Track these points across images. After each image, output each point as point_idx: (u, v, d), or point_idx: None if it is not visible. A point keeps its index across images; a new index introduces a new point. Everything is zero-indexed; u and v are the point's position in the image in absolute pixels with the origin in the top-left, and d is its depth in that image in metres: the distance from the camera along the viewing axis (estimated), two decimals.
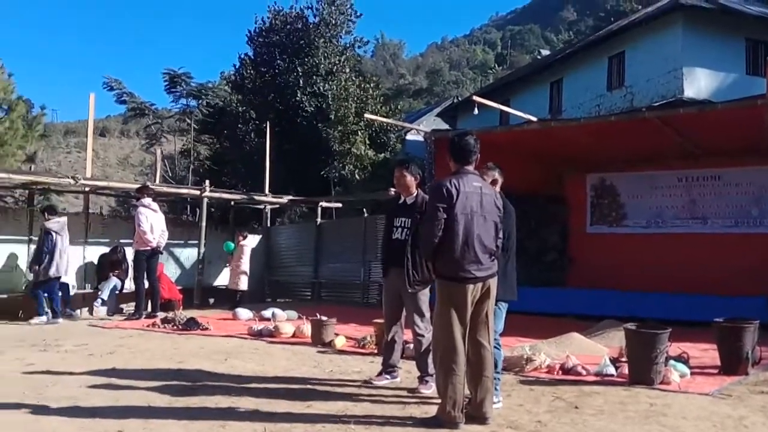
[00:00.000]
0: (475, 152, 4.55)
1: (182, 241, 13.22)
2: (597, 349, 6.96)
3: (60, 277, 10.00)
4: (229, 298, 12.44)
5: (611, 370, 5.78)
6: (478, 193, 4.43)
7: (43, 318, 9.75)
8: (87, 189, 11.99)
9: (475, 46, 77.67)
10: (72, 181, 10.82)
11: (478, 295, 4.36)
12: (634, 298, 9.84)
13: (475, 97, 14.21)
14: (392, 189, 11.66)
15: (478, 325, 4.40)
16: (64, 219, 10.30)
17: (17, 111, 21.82)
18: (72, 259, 11.36)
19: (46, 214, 10.02)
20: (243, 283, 12.40)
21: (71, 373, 5.88)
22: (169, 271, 12.43)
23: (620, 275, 10.87)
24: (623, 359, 5.94)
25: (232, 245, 12.73)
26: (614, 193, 12.56)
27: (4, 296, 10.43)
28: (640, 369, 5.47)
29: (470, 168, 4.53)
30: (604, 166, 12.40)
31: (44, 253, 9.78)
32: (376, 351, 7.00)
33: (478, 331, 4.40)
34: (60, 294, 10.08)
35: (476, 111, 13.20)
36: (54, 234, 9.84)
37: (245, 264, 12.41)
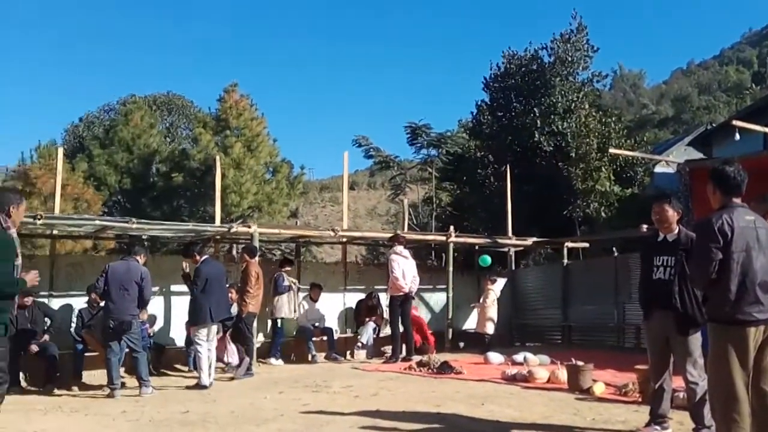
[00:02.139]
0: (743, 182, 4.17)
1: (430, 286, 13.65)
2: None
3: None
4: (478, 342, 12.52)
5: None
6: (753, 228, 4.03)
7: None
8: (344, 239, 12.95)
9: (726, 67, 71.37)
10: (332, 233, 11.77)
11: (760, 340, 3.93)
12: None
13: (735, 122, 12.96)
14: (644, 225, 11.01)
15: (761, 373, 3.95)
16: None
17: (282, 172, 24.42)
18: (334, 305, 12.35)
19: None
20: (489, 328, 12.42)
21: (341, 414, 6.30)
22: (420, 315, 12.85)
23: None
24: None
25: (489, 259, 13.02)
26: None
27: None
28: None
29: (738, 200, 4.15)
30: None
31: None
32: (640, 399, 6.59)
33: (761, 378, 3.95)
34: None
35: (737, 136, 12.02)
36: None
37: (493, 309, 12.46)
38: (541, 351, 10.61)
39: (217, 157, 12.44)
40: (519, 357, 9.87)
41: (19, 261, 4.77)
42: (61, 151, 11.03)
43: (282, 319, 11.15)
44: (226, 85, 24.14)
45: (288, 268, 11.54)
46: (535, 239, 14.80)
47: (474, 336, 13.05)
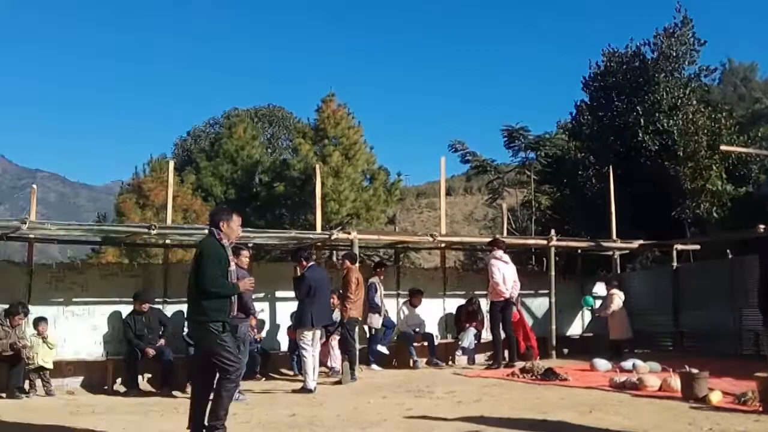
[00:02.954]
0: None
1: (532, 291, 13.40)
2: None
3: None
4: (607, 349, 12.20)
5: None
6: None
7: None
8: (443, 245, 12.92)
9: None
10: (430, 239, 11.78)
11: None
12: None
13: None
14: (761, 225, 10.40)
15: None
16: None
17: (379, 179, 24.66)
18: (433, 311, 12.36)
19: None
20: (623, 333, 12.17)
21: (445, 419, 6.28)
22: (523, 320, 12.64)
23: None
24: None
25: (591, 300, 12.69)
26: None
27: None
28: None
29: None
30: None
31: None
32: (760, 408, 6.22)
33: None
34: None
35: None
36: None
37: (622, 313, 12.23)
38: (650, 358, 10.19)
39: (317, 166, 12.72)
40: (628, 364, 9.54)
41: (232, 267, 5.51)
42: (171, 164, 11.58)
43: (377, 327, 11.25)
44: (323, 96, 24.66)
45: (380, 275, 11.59)
46: (641, 242, 14.25)
47: (579, 341, 12.75)
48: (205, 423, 5.33)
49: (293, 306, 9.41)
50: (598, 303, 13.02)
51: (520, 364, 10.15)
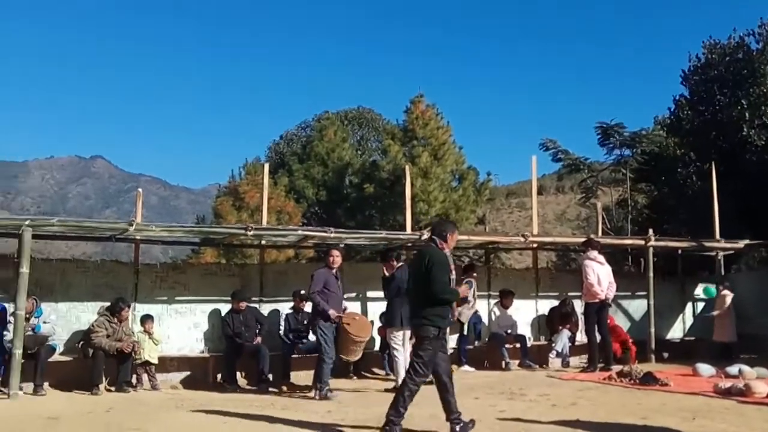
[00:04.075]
0: None
1: (628, 293, 12.98)
2: None
3: None
4: (713, 351, 11.75)
5: None
6: None
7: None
8: (534, 245, 12.71)
9: None
10: (522, 239, 11.61)
11: None
12: None
13: None
14: None
15: None
16: None
17: (468, 179, 24.48)
18: (525, 312, 12.19)
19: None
20: (729, 336, 11.69)
21: (539, 422, 6.18)
22: (619, 323, 12.26)
23: None
24: None
25: (713, 290, 12.24)
26: None
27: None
28: None
29: None
30: None
31: None
32: None
33: None
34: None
35: None
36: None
37: (731, 315, 11.91)
38: (758, 363, 9.69)
39: (407, 167, 12.77)
40: (733, 369, 9.10)
41: (453, 275, 5.92)
42: (266, 167, 11.92)
43: (466, 325, 11.20)
44: (412, 97, 24.70)
45: (475, 274, 11.56)
46: (747, 242, 13.54)
47: (680, 345, 12.26)
48: (386, 415, 5.73)
49: (383, 306, 9.49)
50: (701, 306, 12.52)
51: (616, 367, 9.87)
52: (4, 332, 8.68)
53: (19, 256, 8.62)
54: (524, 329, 12.03)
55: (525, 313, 12.26)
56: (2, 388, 8.33)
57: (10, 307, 8.77)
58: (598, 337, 10.45)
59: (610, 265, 11.12)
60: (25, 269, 8.45)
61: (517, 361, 11.36)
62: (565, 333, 11.49)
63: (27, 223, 8.67)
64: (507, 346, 11.40)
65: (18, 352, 8.26)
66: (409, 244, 12.07)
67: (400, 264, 9.32)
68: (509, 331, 11.67)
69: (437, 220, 6.01)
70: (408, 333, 9.05)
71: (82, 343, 9.25)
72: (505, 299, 11.79)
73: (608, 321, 10.80)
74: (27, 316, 8.63)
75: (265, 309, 10.64)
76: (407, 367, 5.89)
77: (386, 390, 8.84)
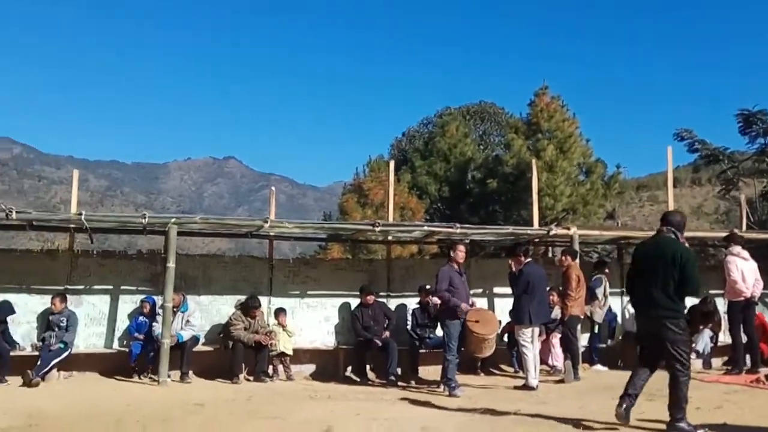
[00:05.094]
0: None
1: None
2: None
3: None
4: None
5: None
6: None
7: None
8: None
9: None
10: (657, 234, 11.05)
11: None
12: None
13: None
14: None
15: None
16: None
17: (596, 172, 23.66)
18: None
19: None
20: None
21: None
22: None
23: None
24: None
25: None
26: None
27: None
28: None
29: None
30: None
31: None
32: None
33: None
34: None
35: None
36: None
37: None
38: None
39: (533, 161, 12.53)
40: None
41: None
42: (392, 164, 12.06)
43: (599, 324, 10.85)
44: (536, 89, 24.18)
45: (607, 271, 11.17)
46: None
47: None
48: (671, 415, 5.83)
49: (510, 302, 9.36)
50: None
51: (765, 370, 9.23)
52: (153, 324, 9.34)
53: (166, 251, 9.25)
54: None
55: None
56: (153, 376, 8.97)
57: (158, 300, 9.42)
58: (744, 338, 9.82)
59: (757, 261, 10.39)
60: (171, 264, 9.05)
61: None
62: (707, 333, 10.86)
63: (173, 220, 9.28)
64: None
65: (166, 341, 8.86)
66: (537, 240, 11.86)
67: (528, 260, 9.17)
68: None
69: (671, 211, 5.79)
70: (537, 330, 8.92)
71: (222, 334, 9.78)
72: None
73: (755, 320, 10.11)
74: (174, 309, 9.25)
75: (393, 304, 10.80)
76: (676, 363, 5.90)
77: (515, 387, 8.75)
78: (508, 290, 9.56)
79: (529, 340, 8.74)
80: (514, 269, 9.20)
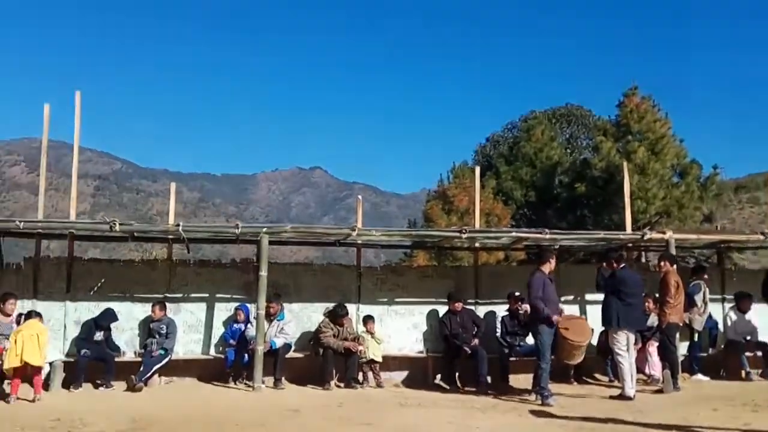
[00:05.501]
0: None
1: None
2: None
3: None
4: None
5: None
6: None
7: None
8: None
9: None
10: (761, 237, 10.51)
11: None
12: None
13: None
14: None
15: None
16: None
17: (691, 174, 22.70)
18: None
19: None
20: None
21: None
22: None
23: None
24: None
25: None
26: None
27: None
28: None
29: None
30: None
31: None
32: None
33: None
34: None
35: None
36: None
37: None
38: None
39: (624, 164, 12.16)
40: None
41: None
42: (478, 170, 11.95)
43: (698, 332, 10.39)
44: (625, 90, 23.50)
45: (706, 276, 10.70)
46: None
47: None
48: None
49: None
50: None
51: None
52: (248, 328, 9.61)
53: (258, 260, 9.50)
54: (766, 336, 10.86)
55: (767, 318, 11.07)
56: (248, 382, 9.22)
57: (252, 308, 9.69)
58: None
59: None
60: (263, 273, 9.28)
61: (758, 371, 10.31)
62: None
63: (264, 230, 9.52)
64: (747, 354, 10.39)
65: (260, 348, 9.09)
66: (630, 245, 11.48)
67: (623, 265, 8.89)
68: (748, 337, 10.63)
69: None
70: (632, 337, 8.63)
71: (312, 342, 9.94)
72: (741, 303, 10.76)
73: None
74: (271, 318, 9.51)
75: (481, 311, 10.69)
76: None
77: (611, 397, 8.50)
78: (600, 297, 9.29)
79: (625, 347, 8.47)
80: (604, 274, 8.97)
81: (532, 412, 7.38)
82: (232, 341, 9.73)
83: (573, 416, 6.92)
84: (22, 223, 9.12)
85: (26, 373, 7.99)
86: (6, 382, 8.28)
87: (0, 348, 8.16)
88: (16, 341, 7.85)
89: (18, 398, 7.76)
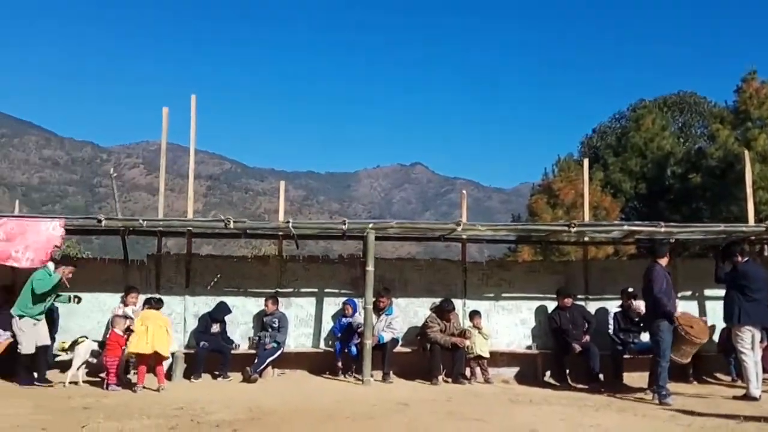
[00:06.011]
0: None
1: None
2: None
3: None
4: None
5: None
6: None
7: None
8: None
9: None
10: None
11: None
12: None
13: None
14: None
15: None
16: None
17: None
18: None
19: None
20: None
21: None
22: None
23: None
24: None
25: None
26: None
27: None
28: None
29: None
30: None
31: None
32: None
33: None
34: None
35: None
36: None
37: None
38: None
39: (744, 152, 11.48)
40: None
41: None
42: (586, 162, 11.64)
43: None
44: (743, 74, 22.17)
45: None
46: None
47: None
48: None
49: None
50: None
51: None
52: (355, 315, 9.80)
53: (365, 255, 9.64)
54: None
55: None
56: (357, 375, 9.38)
57: (359, 302, 9.86)
58: None
59: None
60: (370, 268, 9.41)
61: None
62: None
63: (370, 226, 9.65)
64: None
65: (368, 342, 9.23)
66: (752, 238, 10.82)
67: (746, 259, 8.41)
68: None
69: None
70: (757, 335, 8.17)
71: (419, 336, 9.99)
72: None
73: None
74: (380, 312, 9.65)
75: (592, 307, 10.40)
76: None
77: (734, 397, 8.06)
78: (720, 292, 8.83)
79: (749, 345, 8.02)
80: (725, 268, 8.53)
81: (650, 411, 7.11)
82: (340, 335, 9.93)
83: (694, 417, 6.61)
84: (145, 222, 9.72)
85: (149, 362, 8.47)
86: (132, 372, 8.84)
87: (129, 324, 8.60)
88: (147, 329, 8.31)
89: (144, 387, 8.23)
